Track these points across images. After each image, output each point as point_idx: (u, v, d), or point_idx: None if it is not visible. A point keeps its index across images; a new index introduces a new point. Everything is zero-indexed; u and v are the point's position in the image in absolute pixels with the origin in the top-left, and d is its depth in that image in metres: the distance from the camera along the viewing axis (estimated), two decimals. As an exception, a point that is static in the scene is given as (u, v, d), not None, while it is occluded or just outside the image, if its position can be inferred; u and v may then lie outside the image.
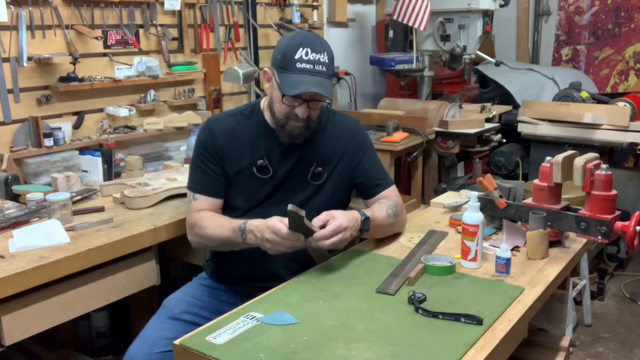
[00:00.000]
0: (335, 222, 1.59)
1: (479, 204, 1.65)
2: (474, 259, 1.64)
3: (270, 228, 1.58)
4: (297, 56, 1.66)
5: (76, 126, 2.68)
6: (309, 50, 1.67)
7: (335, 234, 1.58)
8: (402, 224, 1.93)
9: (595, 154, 1.74)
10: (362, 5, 4.53)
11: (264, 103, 1.87)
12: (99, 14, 2.72)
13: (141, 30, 2.91)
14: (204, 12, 3.18)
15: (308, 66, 1.67)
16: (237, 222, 1.70)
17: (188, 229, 1.86)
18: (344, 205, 1.97)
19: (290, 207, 1.51)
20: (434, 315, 1.37)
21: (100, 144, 2.62)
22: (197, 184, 1.84)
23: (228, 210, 1.86)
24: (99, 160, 2.54)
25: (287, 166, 1.84)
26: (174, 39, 3.03)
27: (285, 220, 1.56)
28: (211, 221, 1.77)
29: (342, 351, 1.24)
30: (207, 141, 1.83)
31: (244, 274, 1.85)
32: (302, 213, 1.52)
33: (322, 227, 1.59)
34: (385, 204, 1.85)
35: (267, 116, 1.84)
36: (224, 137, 1.83)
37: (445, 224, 2.01)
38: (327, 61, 1.70)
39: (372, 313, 1.40)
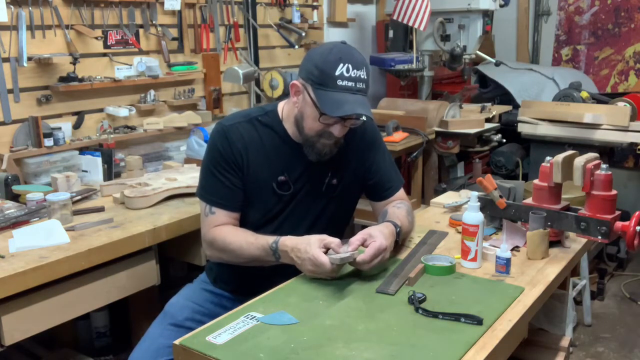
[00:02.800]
0: (374, 244, 1.54)
1: (479, 204, 1.65)
2: (474, 259, 1.64)
3: (312, 260, 1.50)
4: (337, 73, 1.55)
5: (76, 126, 2.68)
6: (350, 66, 1.56)
7: (376, 256, 1.54)
8: (414, 227, 1.90)
9: (595, 154, 1.74)
10: (362, 5, 4.54)
11: (282, 111, 1.75)
12: (99, 14, 2.72)
13: (141, 30, 2.91)
14: (204, 12, 3.18)
15: (350, 84, 1.56)
16: (267, 240, 1.62)
17: (205, 244, 1.76)
18: (353, 208, 1.95)
19: (338, 262, 1.49)
20: (434, 315, 1.37)
21: (100, 144, 2.62)
22: (215, 197, 1.72)
23: (240, 223, 1.77)
24: (99, 160, 2.54)
25: (304, 180, 1.75)
26: (174, 39, 3.03)
27: (323, 241, 1.54)
28: (235, 237, 1.67)
29: (342, 351, 1.24)
30: (225, 149, 1.70)
31: (251, 285, 1.69)
32: (353, 257, 1.51)
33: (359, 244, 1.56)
34: (403, 209, 1.81)
35: (289, 127, 1.73)
36: (243, 146, 1.70)
37: (445, 224, 2.01)
38: (366, 78, 1.60)
39: (372, 313, 1.40)
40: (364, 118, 1.62)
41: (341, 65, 1.56)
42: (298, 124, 1.69)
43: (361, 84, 1.59)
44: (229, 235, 1.69)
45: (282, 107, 1.77)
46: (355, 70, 1.57)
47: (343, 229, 1.94)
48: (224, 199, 1.72)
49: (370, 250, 1.53)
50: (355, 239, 1.56)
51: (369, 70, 1.62)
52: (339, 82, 1.56)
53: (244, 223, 1.77)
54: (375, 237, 1.56)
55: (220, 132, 1.72)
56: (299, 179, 1.75)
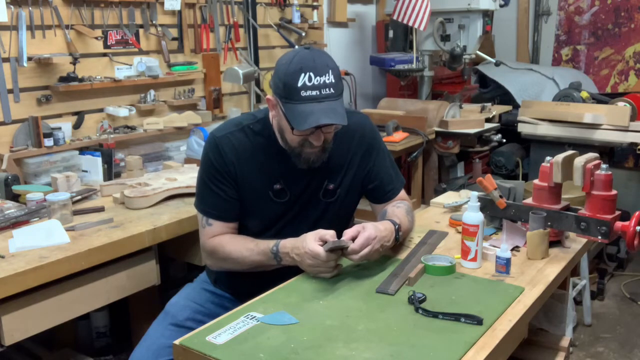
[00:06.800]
0: (364, 233, 1.55)
1: (479, 204, 1.65)
2: (474, 259, 1.64)
3: (309, 253, 1.53)
4: (299, 84, 1.52)
5: (76, 126, 2.68)
6: (311, 74, 1.52)
7: (365, 246, 1.55)
8: (414, 226, 1.90)
9: (595, 154, 1.74)
10: (362, 5, 4.54)
11: (273, 120, 1.73)
12: (99, 14, 2.72)
13: (141, 30, 2.91)
14: (204, 12, 3.18)
15: (314, 93, 1.53)
16: (267, 245, 1.63)
17: (205, 254, 1.77)
18: (353, 210, 1.95)
19: (329, 248, 1.51)
20: (434, 315, 1.37)
21: (100, 144, 2.62)
22: (211, 208, 1.72)
23: (239, 230, 1.78)
24: (99, 160, 2.54)
25: (300, 186, 1.75)
26: (174, 39, 3.03)
27: (318, 234, 1.56)
28: (235, 245, 1.69)
29: (342, 351, 1.24)
30: (217, 161, 1.69)
31: (250, 287, 1.66)
32: (345, 244, 1.53)
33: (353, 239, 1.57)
34: (402, 208, 1.80)
35: (279, 137, 1.71)
36: (235, 156, 1.69)
37: (445, 224, 2.01)
38: (333, 81, 1.55)
39: (372, 313, 1.40)
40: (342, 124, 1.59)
41: (302, 75, 1.52)
42: (281, 136, 1.69)
43: (327, 89, 1.54)
44: (229, 244, 1.70)
45: (273, 117, 1.75)
46: (318, 78, 1.53)
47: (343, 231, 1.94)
48: (220, 210, 1.73)
49: (360, 240, 1.54)
50: (349, 230, 1.58)
51: (336, 72, 1.57)
52: (303, 94, 1.53)
53: (243, 231, 1.77)
54: (365, 228, 1.58)
55: (212, 143, 1.72)
56: (295, 186, 1.75)
